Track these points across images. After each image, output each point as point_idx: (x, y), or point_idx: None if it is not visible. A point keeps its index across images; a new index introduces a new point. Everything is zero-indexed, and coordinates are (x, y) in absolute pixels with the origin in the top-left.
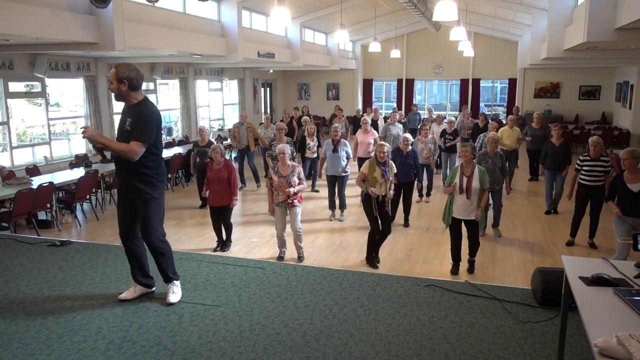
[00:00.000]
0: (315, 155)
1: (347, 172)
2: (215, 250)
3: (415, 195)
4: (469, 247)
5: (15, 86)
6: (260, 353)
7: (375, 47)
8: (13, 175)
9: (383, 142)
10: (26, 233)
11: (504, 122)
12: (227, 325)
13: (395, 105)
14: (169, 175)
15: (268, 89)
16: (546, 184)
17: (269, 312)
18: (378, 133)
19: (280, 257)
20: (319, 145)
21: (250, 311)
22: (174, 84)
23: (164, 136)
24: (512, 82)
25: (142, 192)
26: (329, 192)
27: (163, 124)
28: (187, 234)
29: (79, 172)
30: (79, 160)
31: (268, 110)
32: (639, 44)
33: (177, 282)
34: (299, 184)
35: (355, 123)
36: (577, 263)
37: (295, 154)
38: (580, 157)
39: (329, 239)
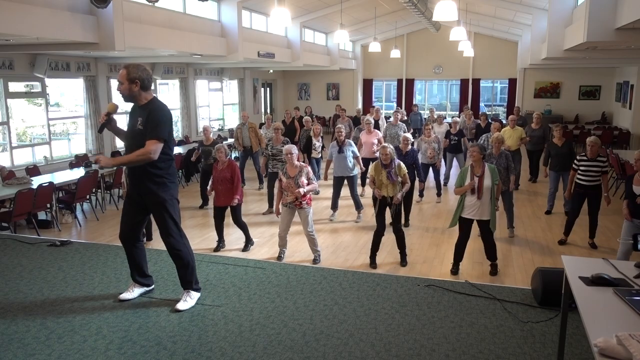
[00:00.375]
0: (319, 155)
1: (354, 172)
2: (215, 250)
3: (415, 195)
4: (485, 251)
5: (15, 86)
6: (260, 353)
7: (375, 47)
8: (13, 175)
9: (386, 144)
10: (26, 233)
11: (504, 122)
12: (227, 325)
13: (395, 105)
14: None
15: (268, 89)
16: (551, 185)
17: (269, 312)
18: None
19: (280, 257)
20: (323, 146)
21: (250, 311)
22: (174, 84)
23: None
24: (512, 82)
25: (153, 193)
26: (334, 193)
27: None
28: (187, 234)
29: (79, 172)
30: (79, 160)
31: (268, 111)
32: (639, 44)
33: (194, 294)
34: (308, 184)
35: (355, 123)
36: (577, 263)
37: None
38: (578, 157)
39: (329, 239)
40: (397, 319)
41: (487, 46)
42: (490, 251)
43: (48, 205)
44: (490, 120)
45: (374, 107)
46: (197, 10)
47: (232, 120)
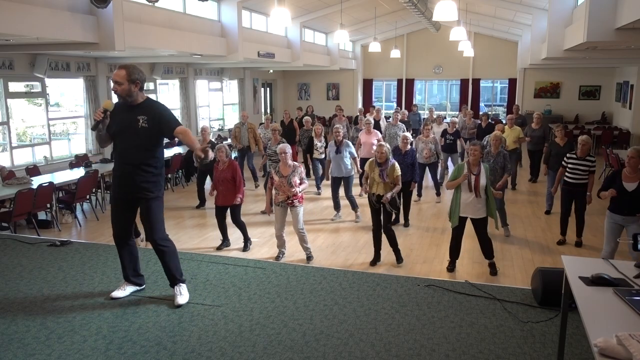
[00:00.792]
0: (323, 155)
1: (351, 173)
2: (218, 248)
3: (414, 195)
4: (482, 250)
5: (15, 86)
6: (260, 353)
7: (375, 47)
8: (13, 175)
9: (382, 143)
10: (26, 233)
11: (504, 122)
12: (227, 325)
13: (395, 105)
14: (169, 175)
15: (268, 89)
16: (549, 184)
17: (269, 312)
18: (380, 133)
19: (278, 258)
20: (326, 146)
21: (250, 311)
22: (174, 84)
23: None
24: (512, 82)
25: (148, 191)
26: (333, 193)
27: None
28: (187, 234)
29: (79, 172)
30: (79, 160)
31: (268, 110)
32: (639, 44)
33: (184, 285)
34: (300, 184)
35: (355, 123)
36: (577, 263)
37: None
38: (568, 155)
39: (329, 239)
40: (397, 319)
41: (487, 46)
42: (487, 248)
43: (48, 205)
44: (491, 121)
45: (374, 107)
46: (197, 10)
47: (232, 121)
